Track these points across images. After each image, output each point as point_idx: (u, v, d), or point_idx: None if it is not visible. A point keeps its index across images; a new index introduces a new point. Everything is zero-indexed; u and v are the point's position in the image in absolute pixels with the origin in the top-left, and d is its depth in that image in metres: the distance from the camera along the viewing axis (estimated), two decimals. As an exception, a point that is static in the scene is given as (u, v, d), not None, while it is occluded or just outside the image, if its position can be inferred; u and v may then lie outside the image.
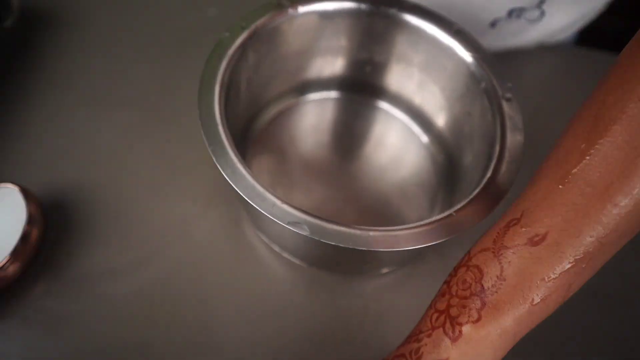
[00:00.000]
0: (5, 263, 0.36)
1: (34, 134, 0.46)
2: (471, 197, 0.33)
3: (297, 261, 0.42)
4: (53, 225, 0.41)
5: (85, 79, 0.50)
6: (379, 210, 0.44)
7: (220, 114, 0.35)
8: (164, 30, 0.55)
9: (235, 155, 0.33)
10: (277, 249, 0.42)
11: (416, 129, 0.48)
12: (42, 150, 0.45)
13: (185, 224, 0.43)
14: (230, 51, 0.37)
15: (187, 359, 0.38)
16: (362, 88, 0.49)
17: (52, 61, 0.50)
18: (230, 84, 0.37)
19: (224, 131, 0.34)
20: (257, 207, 0.31)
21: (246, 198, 0.32)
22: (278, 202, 0.31)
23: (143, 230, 0.43)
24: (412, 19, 0.42)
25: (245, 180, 0.32)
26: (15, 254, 0.36)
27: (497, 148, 0.36)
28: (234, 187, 0.32)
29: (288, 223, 0.31)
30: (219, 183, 0.45)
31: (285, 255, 0.42)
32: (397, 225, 0.32)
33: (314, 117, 0.50)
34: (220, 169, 0.33)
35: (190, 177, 0.46)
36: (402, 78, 0.46)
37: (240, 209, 0.44)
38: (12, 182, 0.38)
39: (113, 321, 0.39)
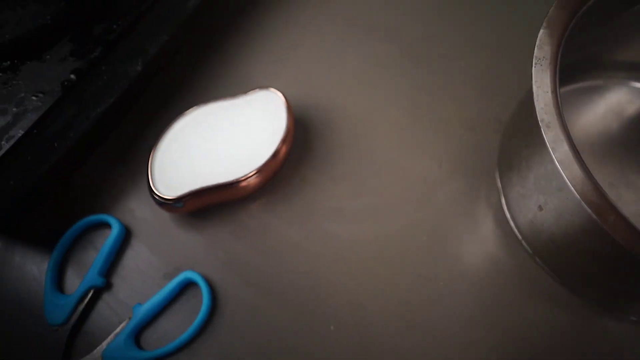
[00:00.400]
0: (251, 175, 0.34)
1: (286, 48, 0.43)
2: None
3: (547, 270, 0.35)
4: (296, 145, 0.38)
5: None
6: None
7: (556, 71, 0.27)
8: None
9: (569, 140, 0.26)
10: (526, 246, 0.35)
11: None
12: (292, 64, 0.42)
13: (425, 185, 0.38)
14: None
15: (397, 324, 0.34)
16: None
17: None
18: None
19: (559, 96, 0.27)
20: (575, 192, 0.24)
21: (569, 183, 0.25)
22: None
23: (380, 179, 0.38)
24: None
25: (571, 162, 0.25)
26: (264, 167, 0.34)
27: None
28: (557, 164, 0.25)
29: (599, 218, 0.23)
30: (472, 151, 0.39)
31: (537, 259, 0.35)
32: None
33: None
34: (547, 142, 0.26)
35: (440, 136, 0.40)
36: None
37: (490, 186, 0.38)
38: (280, 93, 0.36)
39: (332, 258, 0.36)
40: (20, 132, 0.29)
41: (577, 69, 0.38)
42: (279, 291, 0.35)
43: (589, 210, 0.24)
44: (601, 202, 0.24)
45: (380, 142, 0.39)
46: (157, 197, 0.33)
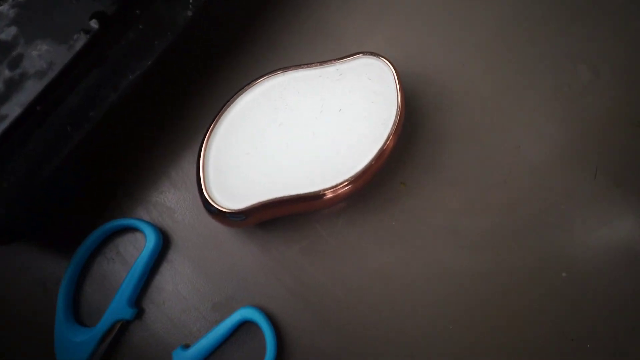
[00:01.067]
0: (346, 184, 0.23)
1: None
2: None
3: None
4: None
5: None
6: None
7: None
8: None
9: None
10: None
11: None
12: (396, 21, 0.30)
13: (570, 203, 0.27)
14: None
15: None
16: None
17: None
18: None
19: None
20: None
21: None
22: None
23: (509, 190, 0.27)
24: None
25: None
26: (363, 173, 0.23)
27: None
28: None
29: None
30: None
31: None
32: None
33: None
34: None
35: (598, 135, 0.28)
36: None
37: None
38: (386, 59, 0.25)
39: (439, 297, 0.26)
40: (17, 111, 0.20)
41: None
42: (368, 339, 0.26)
43: None
44: None
45: (513, 138, 0.28)
46: (212, 207, 0.23)
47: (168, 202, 0.27)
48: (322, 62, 0.25)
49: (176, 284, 0.26)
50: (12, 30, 0.20)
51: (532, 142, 0.28)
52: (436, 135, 0.28)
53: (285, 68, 0.25)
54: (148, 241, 0.25)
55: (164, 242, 0.26)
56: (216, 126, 0.24)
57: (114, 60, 0.22)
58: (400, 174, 0.28)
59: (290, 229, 0.27)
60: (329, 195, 0.23)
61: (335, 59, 0.25)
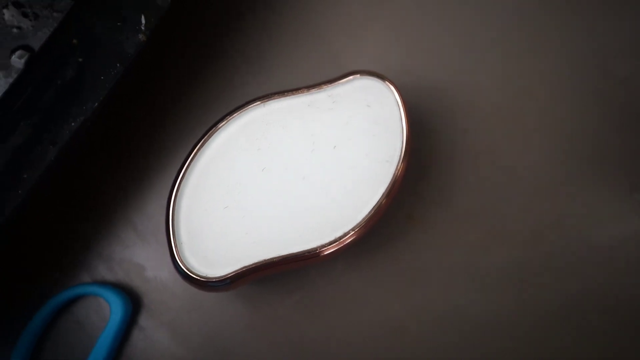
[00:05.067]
0: (347, 237, 0.19)
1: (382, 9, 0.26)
2: None
3: None
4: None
5: None
6: None
7: None
8: None
9: None
10: None
11: None
12: (391, 33, 0.26)
13: (600, 231, 0.24)
14: None
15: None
16: None
17: None
18: None
19: None
20: None
21: None
22: None
23: (529, 219, 0.24)
24: None
25: None
26: (366, 222, 0.19)
27: None
28: None
29: None
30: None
31: None
32: None
33: None
34: None
35: (630, 145, 0.25)
36: None
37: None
38: (387, 79, 0.20)
39: (456, 350, 0.23)
40: None
41: None
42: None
43: None
44: None
45: (530, 156, 0.24)
46: (187, 275, 0.19)
47: (135, 258, 0.23)
48: (310, 86, 0.21)
49: (150, 356, 0.22)
50: None
51: (552, 159, 0.25)
52: (445, 159, 0.25)
53: (266, 97, 0.20)
54: (113, 312, 0.21)
55: (134, 306, 0.22)
56: (186, 173, 0.20)
57: (48, 107, 0.17)
58: (407, 207, 0.24)
59: (283, 279, 0.23)
60: (327, 251, 0.20)
61: (325, 82, 0.21)
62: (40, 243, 0.23)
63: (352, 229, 0.19)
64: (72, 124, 0.17)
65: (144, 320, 0.22)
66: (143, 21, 0.18)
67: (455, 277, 0.24)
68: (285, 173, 0.20)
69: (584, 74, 0.25)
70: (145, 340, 0.22)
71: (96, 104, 0.18)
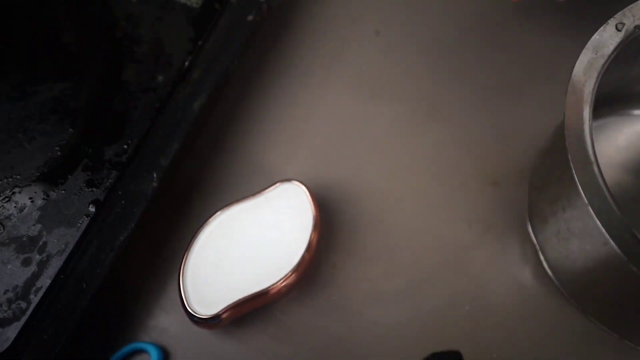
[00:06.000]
0: (289, 275, 0.33)
1: (294, 121, 0.42)
2: None
3: (601, 326, 0.34)
4: (322, 231, 0.37)
5: (351, 63, 0.44)
6: None
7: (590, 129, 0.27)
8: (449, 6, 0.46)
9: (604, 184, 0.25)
10: (573, 302, 0.34)
11: None
12: (303, 141, 0.42)
13: (459, 250, 0.38)
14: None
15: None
16: None
17: (316, 41, 0.45)
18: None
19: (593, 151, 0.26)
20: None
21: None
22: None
23: (412, 252, 0.37)
24: None
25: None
26: (300, 264, 0.33)
27: None
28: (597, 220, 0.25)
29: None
30: (499, 207, 0.38)
31: (590, 318, 0.34)
32: None
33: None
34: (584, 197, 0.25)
35: (464, 195, 0.39)
36: None
37: (525, 241, 0.37)
38: (298, 181, 0.35)
39: (378, 349, 0.34)
40: (48, 282, 0.28)
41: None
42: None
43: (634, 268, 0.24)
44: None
45: (407, 212, 0.38)
46: (194, 317, 0.32)
47: (162, 321, 0.35)
48: (253, 194, 0.35)
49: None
50: (38, 227, 0.30)
51: (422, 210, 0.38)
52: (352, 224, 0.38)
53: (228, 204, 0.35)
54: (152, 357, 0.33)
55: (165, 356, 0.34)
56: (187, 257, 0.33)
57: (108, 229, 0.31)
58: (330, 260, 0.37)
59: (259, 319, 0.35)
60: (280, 286, 0.33)
61: (261, 190, 0.35)
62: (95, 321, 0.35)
63: (291, 269, 0.32)
64: (121, 238, 0.31)
65: (172, 363, 0.34)
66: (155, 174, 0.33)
67: (369, 300, 0.36)
68: (245, 244, 0.33)
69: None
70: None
71: (132, 225, 0.32)
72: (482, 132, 0.41)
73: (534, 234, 0.36)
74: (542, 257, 0.36)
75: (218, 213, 0.35)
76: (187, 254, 0.34)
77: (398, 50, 0.44)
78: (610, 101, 0.38)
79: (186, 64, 0.36)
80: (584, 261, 0.31)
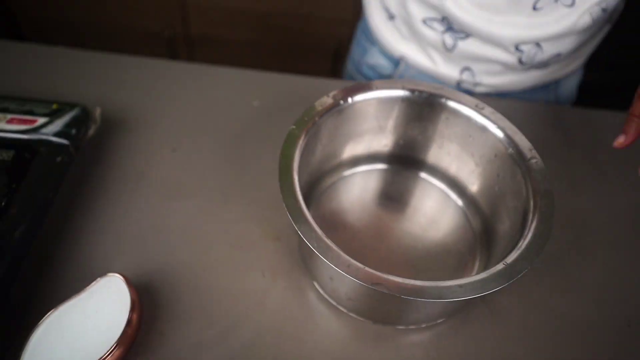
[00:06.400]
0: (113, 349, 0.40)
1: (114, 226, 0.52)
2: (520, 249, 0.39)
3: (362, 319, 0.47)
4: (146, 308, 0.46)
5: (156, 174, 0.57)
6: (421, 266, 0.51)
7: (300, 195, 0.41)
8: (220, 125, 0.63)
9: (319, 230, 0.39)
10: (344, 309, 0.47)
11: (453, 195, 0.56)
12: (123, 240, 0.51)
13: (258, 294, 0.49)
14: (300, 141, 0.44)
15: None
16: (404, 161, 0.57)
17: (126, 161, 0.58)
18: (300, 167, 0.43)
19: (306, 210, 0.40)
20: (345, 274, 0.37)
21: (335, 267, 0.37)
22: (361, 266, 0.37)
23: (222, 304, 0.48)
24: (453, 104, 0.50)
25: (331, 251, 0.38)
26: (122, 339, 0.41)
27: (531, 204, 0.43)
28: (323, 258, 0.38)
29: (372, 284, 0.36)
30: (282, 255, 0.51)
31: (352, 315, 0.47)
32: (441, 279, 0.38)
33: (363, 185, 0.57)
34: (308, 244, 0.39)
35: (256, 252, 0.51)
36: (440, 151, 0.54)
37: (303, 276, 0.49)
38: (115, 272, 0.44)
39: None
40: None
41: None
42: None
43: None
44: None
45: (214, 275, 0.49)
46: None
47: None
48: (78, 291, 0.43)
49: None
50: None
51: (225, 271, 0.49)
52: (174, 297, 0.47)
53: (56, 305, 0.42)
54: None
55: None
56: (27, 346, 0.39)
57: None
58: (158, 329, 0.45)
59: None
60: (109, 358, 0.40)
61: (85, 288, 0.43)
62: None
63: (113, 346, 0.40)
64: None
65: None
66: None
67: (195, 353, 0.44)
68: (76, 335, 0.41)
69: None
70: None
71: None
72: (260, 205, 0.55)
73: (308, 270, 0.50)
74: (317, 285, 0.48)
75: (47, 315, 0.42)
76: (27, 344, 0.40)
77: (192, 160, 0.59)
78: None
79: (2, 203, 0.45)
80: (339, 283, 0.45)
